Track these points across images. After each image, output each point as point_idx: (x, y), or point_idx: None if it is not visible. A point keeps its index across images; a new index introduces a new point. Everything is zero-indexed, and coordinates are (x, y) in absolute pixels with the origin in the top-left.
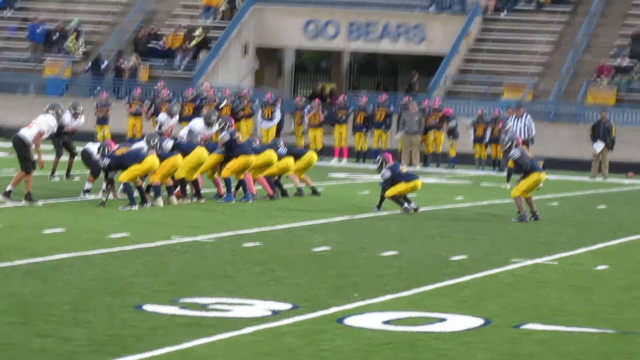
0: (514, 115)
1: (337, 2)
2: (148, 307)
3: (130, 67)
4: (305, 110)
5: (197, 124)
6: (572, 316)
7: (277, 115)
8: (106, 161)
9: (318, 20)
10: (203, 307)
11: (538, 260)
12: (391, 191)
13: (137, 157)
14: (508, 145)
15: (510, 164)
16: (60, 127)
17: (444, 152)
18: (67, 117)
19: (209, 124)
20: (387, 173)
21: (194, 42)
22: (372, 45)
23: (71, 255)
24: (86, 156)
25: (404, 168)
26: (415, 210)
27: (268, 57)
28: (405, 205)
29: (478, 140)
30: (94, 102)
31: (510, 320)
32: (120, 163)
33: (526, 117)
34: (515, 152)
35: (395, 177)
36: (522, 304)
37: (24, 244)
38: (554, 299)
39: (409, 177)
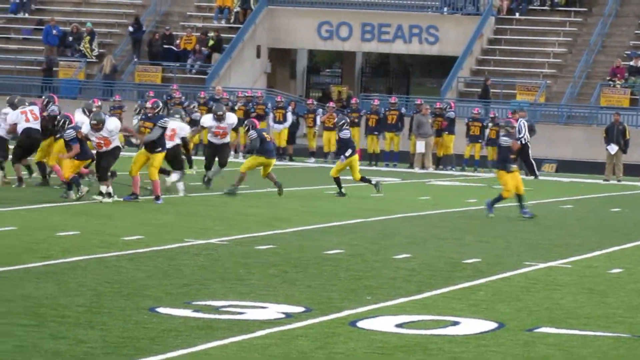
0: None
1: (350, 3)
2: (162, 310)
3: (101, 68)
4: (319, 112)
5: (207, 119)
6: (586, 319)
7: (289, 118)
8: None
9: (331, 21)
10: (216, 309)
11: (552, 263)
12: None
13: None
14: (342, 123)
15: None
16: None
17: (457, 154)
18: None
19: (218, 117)
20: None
21: (210, 43)
22: (385, 46)
23: (85, 258)
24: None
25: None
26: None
27: (281, 59)
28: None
29: (490, 142)
30: (107, 104)
31: (523, 323)
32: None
33: (519, 121)
34: (346, 133)
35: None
36: (535, 307)
37: (37, 247)
38: (567, 302)
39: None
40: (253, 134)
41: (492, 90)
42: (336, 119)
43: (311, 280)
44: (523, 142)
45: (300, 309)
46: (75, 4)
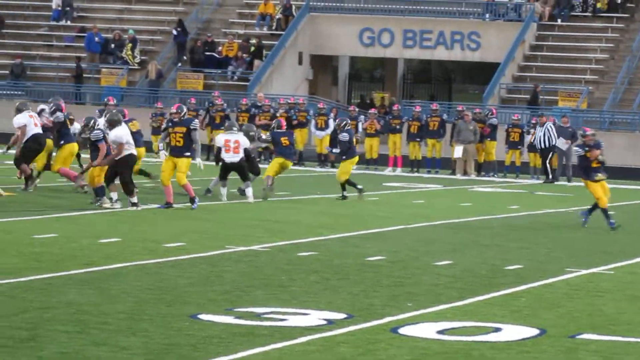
0: (538, 124)
1: (392, 10)
2: (203, 316)
3: (147, 73)
4: (361, 119)
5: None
6: (628, 326)
7: (331, 124)
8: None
9: (373, 28)
10: (258, 316)
11: (594, 270)
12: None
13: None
14: (343, 124)
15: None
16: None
17: (499, 161)
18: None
19: (250, 138)
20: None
21: (252, 49)
22: (427, 52)
23: (127, 265)
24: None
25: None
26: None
27: (322, 65)
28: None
29: (532, 148)
30: (149, 111)
31: (565, 330)
32: None
33: (546, 126)
34: (345, 135)
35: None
36: (577, 314)
37: (80, 254)
38: (610, 308)
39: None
40: (268, 137)
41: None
42: (338, 119)
43: (353, 287)
44: (545, 146)
45: (342, 316)
46: (117, 11)
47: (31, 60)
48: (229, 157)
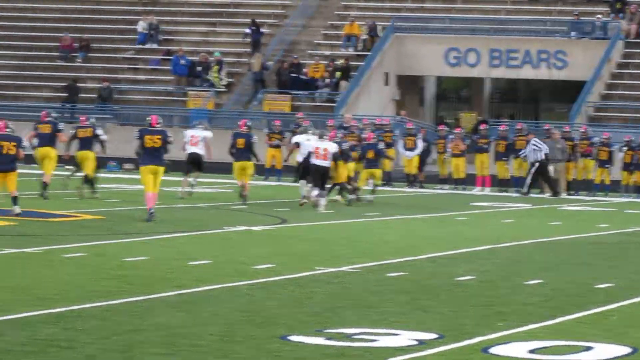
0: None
1: (477, 29)
2: (294, 338)
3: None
4: (450, 138)
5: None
6: None
7: (419, 145)
8: None
9: (459, 47)
10: (348, 337)
11: None
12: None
13: None
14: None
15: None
16: None
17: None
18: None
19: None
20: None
21: (338, 74)
22: (514, 72)
23: (217, 287)
24: None
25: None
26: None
27: (409, 86)
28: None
29: (625, 166)
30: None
31: None
32: None
33: (531, 142)
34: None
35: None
36: None
37: (170, 276)
38: None
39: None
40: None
41: (620, 114)
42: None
43: (443, 307)
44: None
45: (433, 336)
46: (202, 34)
47: (118, 83)
48: (320, 162)
